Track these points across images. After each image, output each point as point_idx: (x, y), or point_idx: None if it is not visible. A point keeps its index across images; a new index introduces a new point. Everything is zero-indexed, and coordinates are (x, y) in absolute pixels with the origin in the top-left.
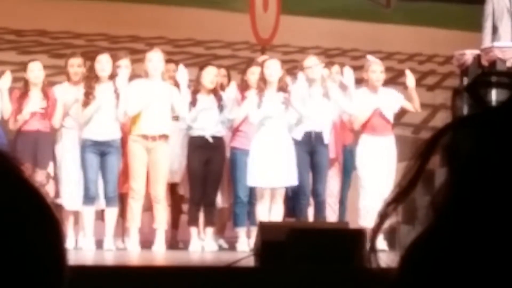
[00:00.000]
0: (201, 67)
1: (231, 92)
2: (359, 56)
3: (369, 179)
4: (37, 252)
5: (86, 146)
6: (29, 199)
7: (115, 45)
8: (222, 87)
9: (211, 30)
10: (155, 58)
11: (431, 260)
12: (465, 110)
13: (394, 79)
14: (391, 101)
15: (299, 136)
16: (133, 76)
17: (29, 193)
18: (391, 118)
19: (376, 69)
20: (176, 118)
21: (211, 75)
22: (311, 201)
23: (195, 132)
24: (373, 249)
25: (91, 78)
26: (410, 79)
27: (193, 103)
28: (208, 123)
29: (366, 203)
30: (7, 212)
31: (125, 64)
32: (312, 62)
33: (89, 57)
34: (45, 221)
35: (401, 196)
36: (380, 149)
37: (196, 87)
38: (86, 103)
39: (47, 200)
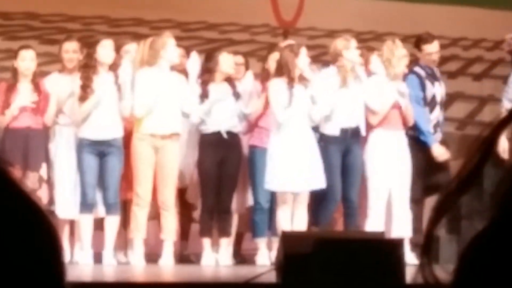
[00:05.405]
0: (209, 54)
1: (247, 83)
2: None
3: (379, 177)
4: (33, 264)
5: (84, 146)
6: (22, 207)
7: (116, 29)
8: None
9: (225, 11)
10: None
11: (495, 253)
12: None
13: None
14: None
15: (334, 132)
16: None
17: (21, 200)
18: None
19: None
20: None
21: (230, 60)
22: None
23: (208, 128)
24: (428, 255)
25: (89, 68)
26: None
27: (204, 95)
28: (223, 116)
29: (375, 204)
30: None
31: (133, 48)
32: (350, 47)
33: (87, 43)
34: (40, 230)
35: (464, 186)
36: (393, 145)
37: (207, 77)
38: (83, 97)
39: (42, 207)
